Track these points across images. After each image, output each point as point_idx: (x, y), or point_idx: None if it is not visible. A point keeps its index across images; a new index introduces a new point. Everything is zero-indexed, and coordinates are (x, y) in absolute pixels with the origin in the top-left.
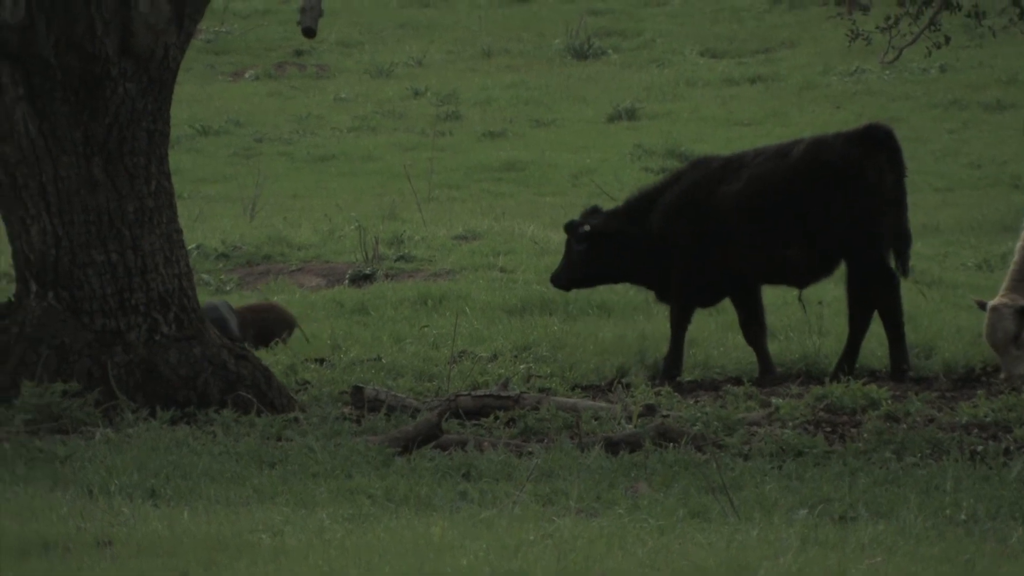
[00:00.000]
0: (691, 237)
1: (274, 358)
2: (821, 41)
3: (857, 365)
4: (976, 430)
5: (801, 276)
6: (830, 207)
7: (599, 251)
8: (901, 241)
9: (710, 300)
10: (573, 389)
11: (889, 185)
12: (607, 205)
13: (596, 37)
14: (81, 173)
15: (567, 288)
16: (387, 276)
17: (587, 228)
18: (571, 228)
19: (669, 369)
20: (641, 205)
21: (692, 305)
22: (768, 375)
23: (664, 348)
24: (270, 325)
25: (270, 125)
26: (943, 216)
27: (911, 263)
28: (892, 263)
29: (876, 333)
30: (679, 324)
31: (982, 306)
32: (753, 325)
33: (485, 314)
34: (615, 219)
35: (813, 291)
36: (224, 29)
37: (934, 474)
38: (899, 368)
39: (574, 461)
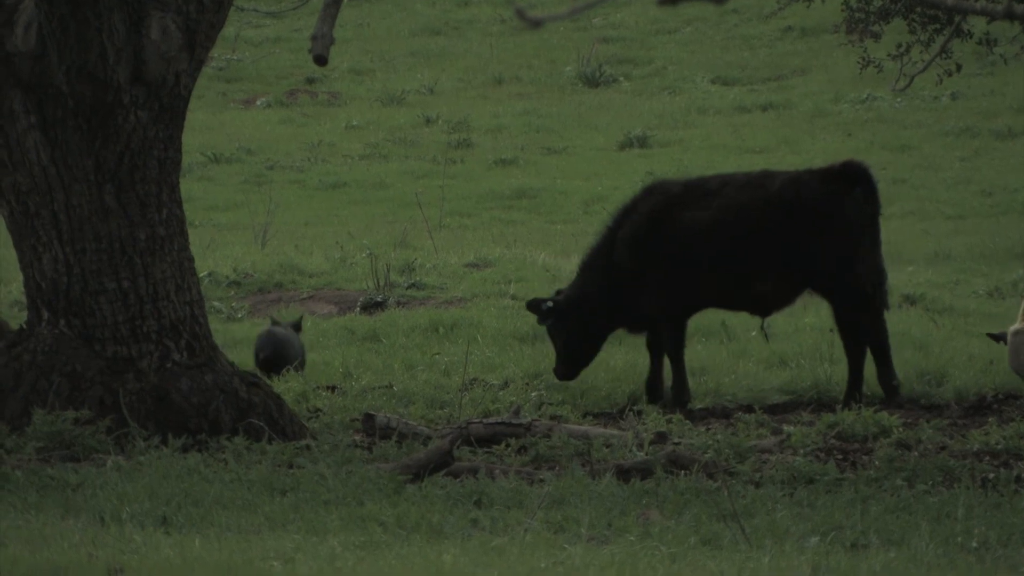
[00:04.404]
0: (658, 262)
1: (286, 385)
2: (832, 68)
3: (867, 393)
4: (988, 458)
5: (765, 306)
6: (805, 242)
7: (575, 320)
8: (876, 277)
9: (692, 310)
10: (584, 416)
11: (865, 221)
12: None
13: (607, 64)
14: (93, 201)
15: (576, 375)
16: (398, 304)
17: (550, 304)
18: (534, 307)
19: (679, 395)
20: (594, 261)
21: (682, 322)
22: (656, 390)
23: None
24: None
25: (282, 153)
26: (954, 244)
27: (888, 297)
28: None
29: None
30: (676, 347)
31: (998, 338)
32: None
33: (496, 341)
34: (574, 288)
35: (825, 320)
36: (236, 57)
37: (946, 502)
38: (889, 385)
39: (585, 489)
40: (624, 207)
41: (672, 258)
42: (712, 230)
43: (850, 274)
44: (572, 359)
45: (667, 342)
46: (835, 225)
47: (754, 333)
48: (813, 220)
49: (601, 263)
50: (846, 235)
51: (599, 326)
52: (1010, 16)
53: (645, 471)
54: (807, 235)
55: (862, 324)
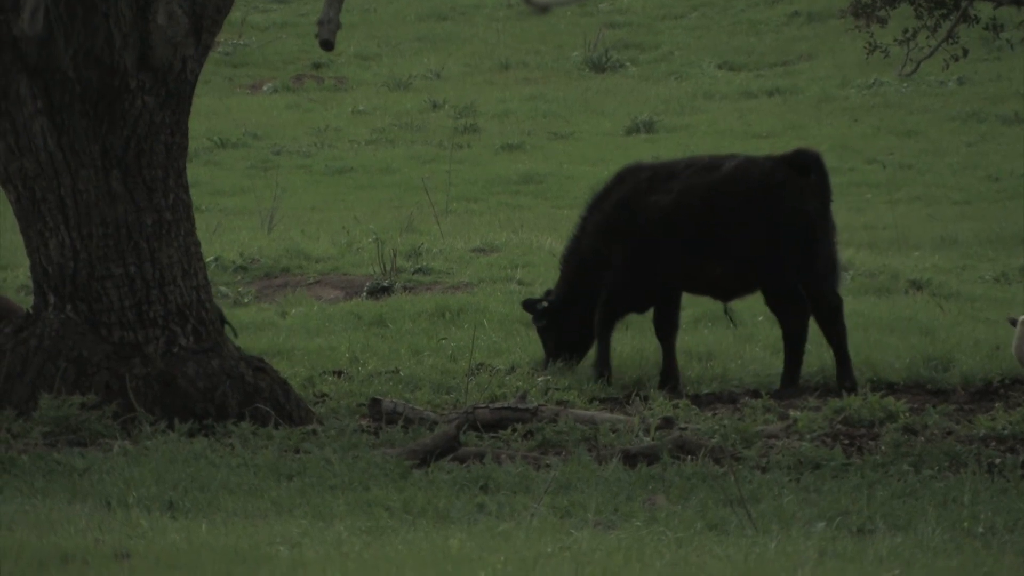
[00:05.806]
0: (626, 249)
1: (292, 370)
2: (839, 54)
3: (874, 378)
4: (994, 443)
5: (724, 291)
6: (755, 227)
7: (565, 318)
8: (827, 266)
9: (640, 308)
10: (591, 402)
11: (817, 211)
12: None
13: (614, 50)
14: (99, 186)
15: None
16: (405, 289)
17: (544, 304)
18: (529, 307)
19: (600, 370)
20: (572, 253)
21: (621, 314)
22: (670, 377)
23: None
24: None
25: (288, 138)
26: (961, 229)
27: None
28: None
29: (893, 346)
30: (605, 330)
31: (1013, 323)
32: (667, 325)
33: (503, 327)
34: (560, 286)
35: None
36: (242, 42)
37: (952, 487)
38: (789, 383)
39: (592, 474)
40: (597, 194)
41: (638, 241)
42: (670, 212)
43: (806, 263)
44: (566, 356)
45: (598, 323)
46: (784, 212)
47: (760, 318)
48: (761, 205)
49: (578, 253)
50: (797, 223)
51: (588, 318)
52: (1017, 1)
53: (651, 456)
54: (756, 220)
55: (820, 317)
